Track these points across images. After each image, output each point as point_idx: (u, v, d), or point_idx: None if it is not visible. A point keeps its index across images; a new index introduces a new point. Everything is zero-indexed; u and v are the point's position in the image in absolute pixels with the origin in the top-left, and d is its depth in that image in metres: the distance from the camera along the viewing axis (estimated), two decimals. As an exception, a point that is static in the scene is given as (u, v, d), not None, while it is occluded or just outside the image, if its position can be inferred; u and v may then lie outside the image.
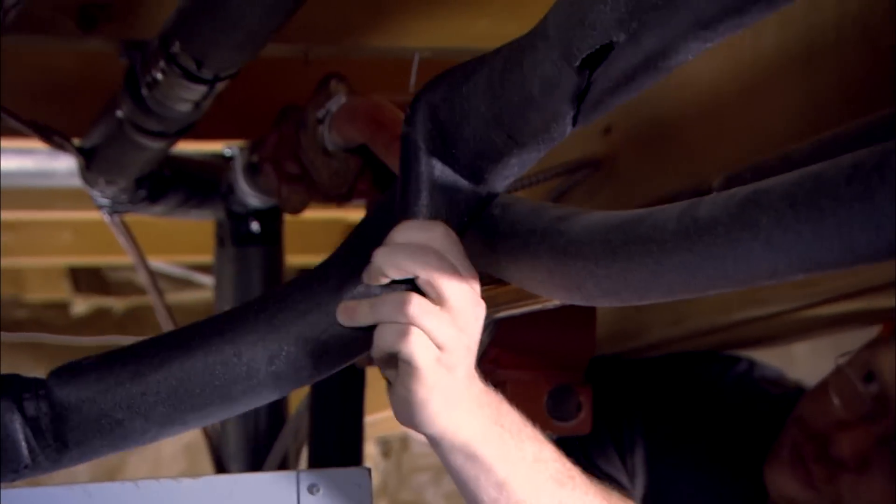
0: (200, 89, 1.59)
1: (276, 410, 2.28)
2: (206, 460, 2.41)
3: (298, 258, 3.44)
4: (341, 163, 1.62)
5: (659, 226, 0.87)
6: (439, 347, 1.08)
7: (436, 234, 1.08)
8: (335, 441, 2.01)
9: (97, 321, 4.32)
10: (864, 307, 1.72)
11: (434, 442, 1.16)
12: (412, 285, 1.09)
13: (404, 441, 4.53)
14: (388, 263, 1.09)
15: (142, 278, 2.30)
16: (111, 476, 4.18)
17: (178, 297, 3.95)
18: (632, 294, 0.92)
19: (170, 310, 2.26)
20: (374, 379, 1.68)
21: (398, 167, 1.13)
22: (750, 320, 1.81)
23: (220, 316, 1.20)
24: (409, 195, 1.11)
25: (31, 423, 1.15)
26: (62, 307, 4.29)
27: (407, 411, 1.13)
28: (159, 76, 1.59)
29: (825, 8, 1.23)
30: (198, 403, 1.16)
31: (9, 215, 2.84)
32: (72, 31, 1.66)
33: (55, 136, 1.98)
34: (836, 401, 1.62)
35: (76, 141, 2.02)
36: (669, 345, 1.98)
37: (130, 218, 2.25)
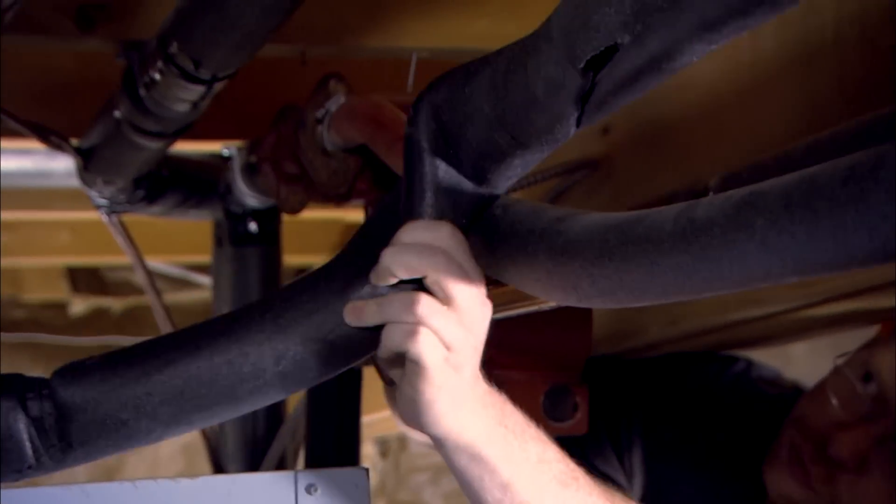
0: (198, 89, 1.59)
1: (274, 411, 2.28)
2: (203, 460, 2.41)
3: (296, 258, 3.44)
4: (340, 162, 1.62)
5: (656, 227, 0.87)
6: (447, 347, 1.08)
7: (443, 234, 1.08)
8: (332, 441, 2.01)
9: (95, 321, 4.31)
10: (862, 307, 1.72)
11: (439, 442, 1.16)
12: (419, 285, 1.09)
13: (402, 441, 4.53)
14: (397, 263, 1.09)
15: (140, 278, 2.30)
16: (109, 476, 4.18)
17: (176, 297, 3.95)
18: (628, 295, 0.92)
19: (168, 310, 2.26)
20: (372, 379, 1.68)
21: (400, 167, 1.13)
22: (747, 320, 1.81)
23: (225, 316, 1.20)
24: (413, 196, 1.11)
25: (35, 422, 1.15)
26: (60, 307, 4.29)
27: (413, 411, 1.13)
28: (157, 76, 1.59)
29: (823, 9, 1.23)
30: (204, 403, 1.16)
31: (7, 215, 2.84)
32: (70, 32, 1.66)
33: (53, 137, 1.98)
34: (834, 401, 1.62)
35: (74, 141, 2.02)
36: (667, 345, 1.98)
37: (128, 218, 2.25)
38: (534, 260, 1.03)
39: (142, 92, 1.66)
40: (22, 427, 1.14)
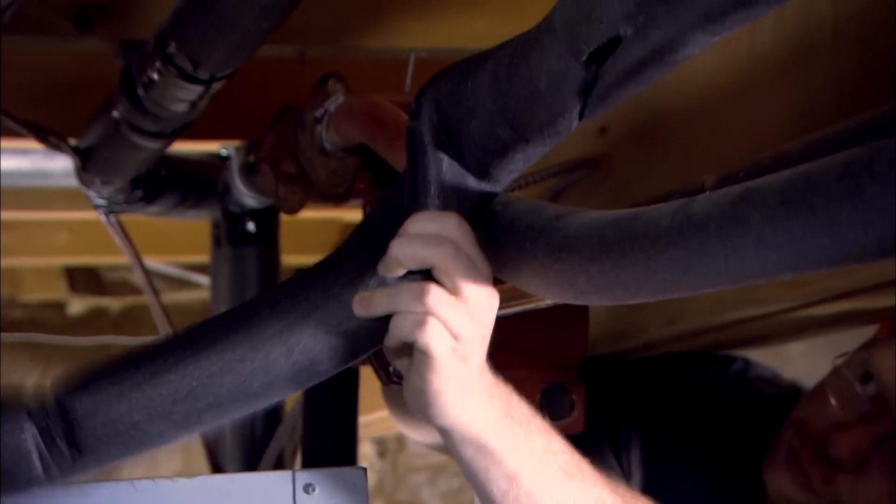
0: (196, 89, 1.59)
1: (272, 410, 2.28)
2: (201, 460, 2.41)
3: (295, 258, 3.44)
4: (339, 162, 1.62)
5: (652, 223, 0.87)
6: (455, 338, 1.08)
7: (450, 224, 1.09)
8: (330, 441, 2.01)
9: (93, 321, 4.32)
10: (860, 307, 1.72)
11: (445, 433, 1.17)
12: (427, 276, 1.09)
13: (400, 441, 4.53)
14: (406, 254, 1.09)
15: (138, 278, 2.30)
16: (107, 475, 4.17)
17: (174, 296, 3.95)
18: (624, 291, 0.92)
19: (166, 310, 2.26)
20: (369, 379, 1.68)
21: (400, 164, 1.14)
22: (745, 320, 1.81)
23: (232, 312, 1.20)
24: (418, 188, 1.11)
25: (42, 432, 1.14)
26: (59, 307, 4.29)
27: (420, 402, 1.13)
28: (155, 76, 1.59)
29: (821, 8, 1.23)
30: (216, 401, 1.15)
31: (5, 215, 2.84)
32: (68, 32, 1.66)
33: (51, 137, 1.98)
34: (833, 402, 1.62)
35: (72, 141, 2.02)
36: (664, 345, 1.98)
37: (126, 218, 2.25)
38: (532, 257, 1.04)
39: (140, 92, 1.66)
40: (28, 438, 1.13)
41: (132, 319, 4.30)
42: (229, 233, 2.27)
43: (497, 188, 1.12)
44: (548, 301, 1.26)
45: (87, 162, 2.02)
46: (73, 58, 1.97)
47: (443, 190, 1.10)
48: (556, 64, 0.91)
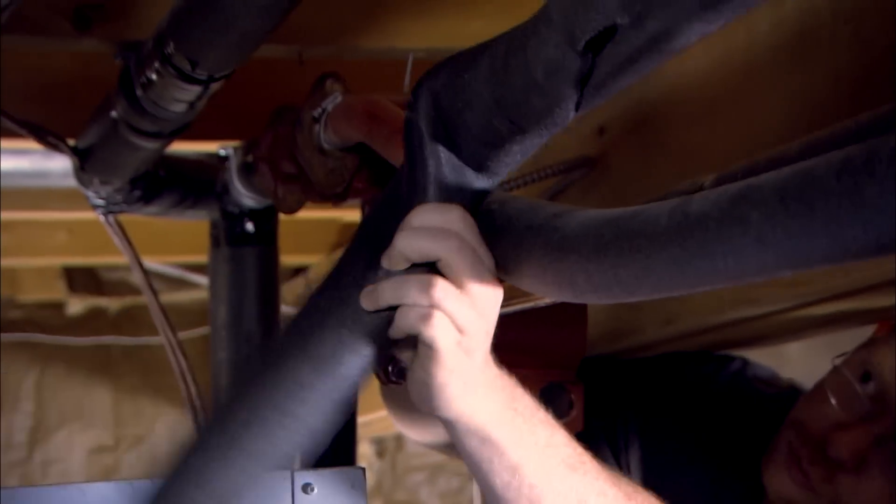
0: (195, 90, 1.60)
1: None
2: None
3: (293, 258, 3.44)
4: (337, 161, 1.62)
5: (650, 221, 0.87)
6: (459, 331, 1.09)
7: (454, 217, 1.09)
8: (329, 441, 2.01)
9: (92, 321, 4.31)
10: (858, 307, 1.72)
11: (449, 425, 1.17)
12: (432, 268, 1.09)
13: (399, 441, 4.53)
14: (411, 247, 1.09)
15: (137, 278, 2.30)
16: (106, 475, 4.18)
17: (172, 297, 3.95)
18: (622, 290, 0.92)
19: (165, 310, 2.26)
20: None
21: (398, 160, 1.14)
22: (743, 320, 1.81)
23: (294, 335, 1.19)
24: (416, 181, 1.11)
25: None
26: (57, 307, 4.29)
27: (424, 394, 1.14)
28: (154, 76, 1.59)
29: (819, 7, 1.23)
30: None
31: (4, 216, 2.84)
32: (66, 32, 1.66)
33: (50, 137, 1.98)
34: (833, 401, 1.62)
35: (71, 141, 2.02)
36: (663, 345, 1.98)
37: (125, 218, 2.25)
38: (530, 256, 1.04)
39: (138, 92, 1.66)
40: None
41: (131, 320, 4.30)
42: (228, 233, 2.27)
43: (494, 181, 1.12)
44: (546, 300, 1.26)
45: (85, 162, 2.02)
46: (71, 58, 1.97)
47: (441, 182, 1.10)
48: (553, 53, 0.91)
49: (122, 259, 2.32)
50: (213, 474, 1.15)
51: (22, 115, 1.89)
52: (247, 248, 2.28)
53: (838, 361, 1.65)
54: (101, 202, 2.19)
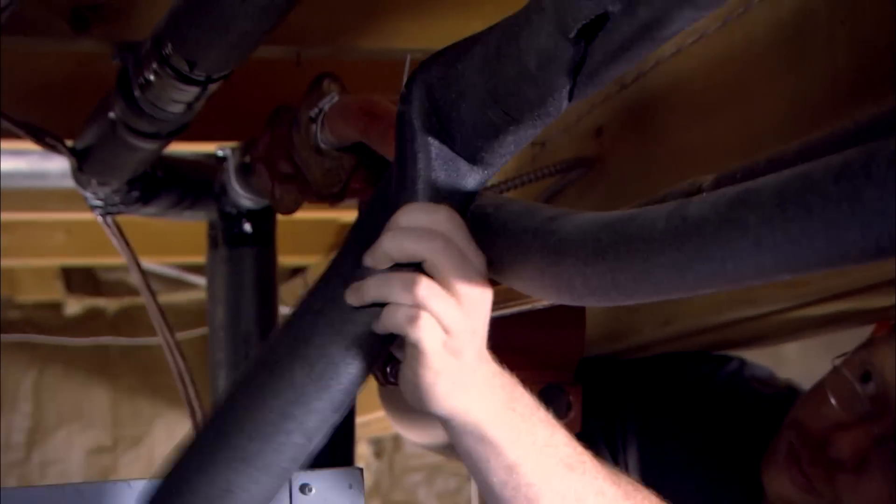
0: (193, 90, 1.60)
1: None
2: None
3: (291, 259, 3.44)
4: (334, 161, 1.62)
5: (648, 225, 0.87)
6: (445, 331, 1.09)
7: (441, 217, 1.09)
8: (327, 441, 2.01)
9: (90, 322, 4.32)
10: (855, 307, 1.72)
11: (444, 423, 1.17)
12: (417, 268, 1.09)
13: (397, 441, 4.53)
14: (395, 248, 1.09)
15: (135, 279, 2.30)
16: (104, 475, 4.18)
17: (170, 297, 3.95)
18: (620, 293, 0.92)
19: (163, 310, 2.26)
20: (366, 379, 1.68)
21: (394, 156, 1.13)
22: (740, 320, 1.81)
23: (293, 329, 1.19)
24: (406, 175, 1.11)
25: None
26: (55, 308, 4.29)
27: (414, 393, 1.14)
28: (152, 77, 1.59)
29: (816, 8, 1.23)
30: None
31: (2, 216, 2.84)
32: (64, 33, 1.66)
33: (48, 138, 1.98)
34: (833, 402, 1.62)
35: (69, 142, 2.02)
36: (660, 345, 1.98)
37: (123, 218, 2.25)
38: (527, 259, 1.04)
39: (136, 93, 1.66)
40: None
41: (129, 320, 4.30)
42: (226, 233, 2.27)
43: (489, 173, 1.11)
44: (544, 302, 1.26)
45: (83, 163, 2.02)
46: (69, 59, 1.97)
47: (430, 179, 1.10)
48: (546, 42, 0.91)
49: (121, 260, 2.32)
50: (206, 477, 1.15)
51: (20, 116, 1.89)
52: (244, 248, 2.28)
53: (838, 362, 1.65)
54: (99, 203, 2.19)
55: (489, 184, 1.18)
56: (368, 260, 1.12)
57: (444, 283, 1.08)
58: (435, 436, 1.68)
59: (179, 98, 1.62)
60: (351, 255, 1.16)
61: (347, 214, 2.81)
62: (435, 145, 1.09)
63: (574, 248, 0.96)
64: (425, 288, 1.08)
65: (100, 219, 2.22)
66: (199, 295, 3.50)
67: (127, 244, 2.24)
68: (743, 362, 1.95)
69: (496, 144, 1.06)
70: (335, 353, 1.13)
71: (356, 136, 1.52)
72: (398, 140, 1.11)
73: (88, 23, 1.66)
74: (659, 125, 1.54)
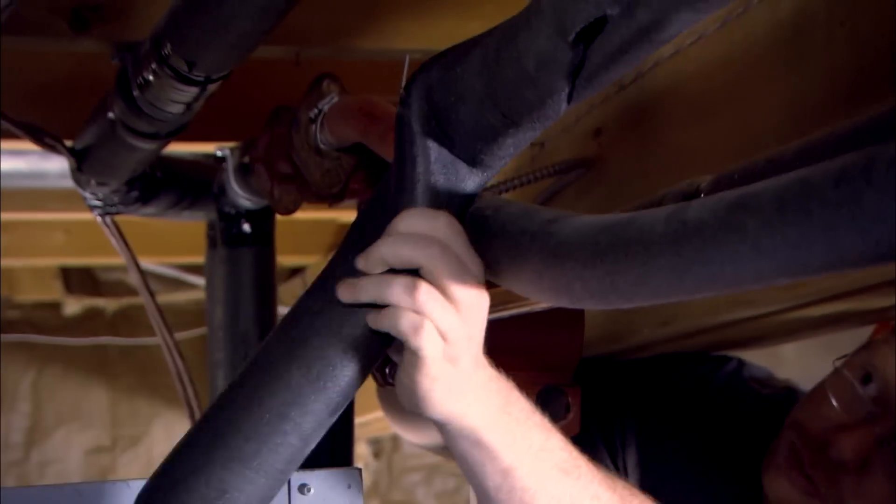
0: (192, 91, 1.60)
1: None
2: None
3: (290, 259, 3.44)
4: (333, 162, 1.62)
5: (647, 228, 0.87)
6: (443, 338, 1.09)
7: (439, 224, 1.09)
8: (326, 441, 2.01)
9: (89, 322, 4.32)
10: (854, 308, 1.72)
11: (440, 427, 1.17)
12: (413, 274, 1.09)
13: (395, 441, 4.53)
14: (392, 254, 1.09)
15: (133, 279, 2.30)
16: (103, 475, 4.18)
17: (169, 297, 3.95)
18: (619, 296, 0.92)
19: (161, 310, 2.26)
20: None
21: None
22: (739, 321, 1.81)
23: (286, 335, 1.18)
24: (403, 181, 1.10)
25: None
26: (54, 308, 4.29)
27: (411, 398, 1.14)
28: (151, 78, 1.59)
29: (815, 8, 1.23)
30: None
31: (1, 216, 2.84)
32: (64, 33, 1.66)
33: (47, 138, 1.98)
34: (834, 403, 1.61)
35: (68, 142, 2.02)
36: (659, 346, 1.98)
37: (122, 218, 2.25)
38: (525, 262, 1.03)
39: (135, 93, 1.66)
40: None
41: (128, 320, 4.30)
42: (225, 234, 2.28)
43: (488, 175, 1.11)
44: (543, 304, 1.26)
45: (82, 163, 2.02)
46: (68, 59, 1.97)
47: (429, 182, 1.10)
48: (544, 45, 0.91)
49: (119, 260, 2.32)
50: (202, 477, 1.14)
51: (19, 116, 1.89)
52: (243, 248, 2.28)
53: (839, 363, 1.65)
54: (98, 203, 2.19)
55: (488, 184, 1.18)
56: (361, 263, 1.11)
57: (440, 290, 1.08)
58: (433, 437, 1.68)
59: (178, 98, 1.62)
60: (349, 256, 1.16)
61: (346, 215, 2.81)
62: (434, 148, 1.09)
63: (573, 251, 0.96)
64: (425, 293, 1.08)
65: (99, 219, 2.22)
66: (198, 295, 3.50)
67: (126, 244, 2.24)
68: (742, 363, 1.95)
69: (495, 147, 1.06)
70: (332, 355, 1.13)
71: (355, 137, 1.52)
72: (397, 143, 1.11)
73: (88, 23, 1.66)
74: (658, 126, 1.54)
